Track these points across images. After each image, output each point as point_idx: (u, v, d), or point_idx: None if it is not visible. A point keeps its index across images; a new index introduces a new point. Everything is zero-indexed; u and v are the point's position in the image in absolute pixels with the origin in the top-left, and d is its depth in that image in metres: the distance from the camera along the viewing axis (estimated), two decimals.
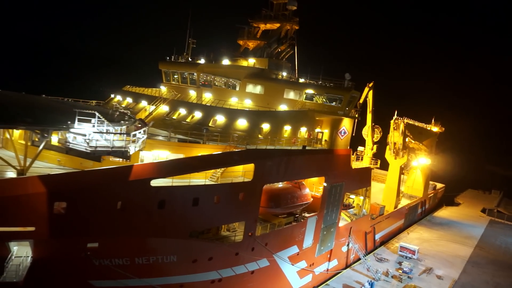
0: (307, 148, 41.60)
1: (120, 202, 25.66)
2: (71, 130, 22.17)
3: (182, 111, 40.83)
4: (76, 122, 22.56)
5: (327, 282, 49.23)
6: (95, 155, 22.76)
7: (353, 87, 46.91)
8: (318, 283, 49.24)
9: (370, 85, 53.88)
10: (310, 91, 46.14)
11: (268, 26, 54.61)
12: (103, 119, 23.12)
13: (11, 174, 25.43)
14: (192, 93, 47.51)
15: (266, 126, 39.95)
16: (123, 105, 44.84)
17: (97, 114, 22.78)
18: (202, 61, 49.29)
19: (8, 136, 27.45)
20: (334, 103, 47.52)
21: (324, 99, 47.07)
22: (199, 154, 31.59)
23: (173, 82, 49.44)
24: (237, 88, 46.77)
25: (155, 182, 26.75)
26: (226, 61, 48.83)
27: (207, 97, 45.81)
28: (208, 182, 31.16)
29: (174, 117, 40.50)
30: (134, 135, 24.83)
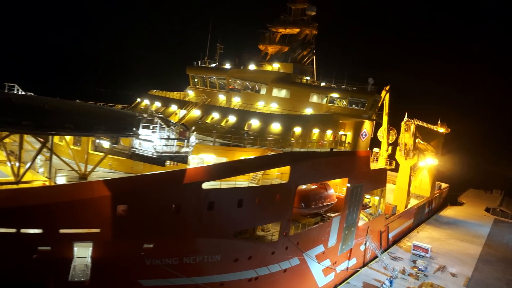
0: (334, 150, 43.06)
1: (175, 204, 26.87)
2: (140, 137, 23.32)
3: (215, 115, 42.01)
4: (141, 128, 23.72)
5: (348, 281, 50.65)
6: (161, 160, 23.94)
7: (375, 91, 48.47)
8: (339, 281, 50.69)
9: (387, 88, 55.47)
10: (335, 95, 47.64)
11: (288, 31, 55.93)
12: (164, 126, 24.30)
13: (62, 179, 26.50)
14: (222, 98, 48.71)
15: (297, 130, 41.34)
16: (153, 109, 45.78)
17: (159, 121, 23.95)
18: (227, 66, 50.48)
19: (63, 142, 28.55)
20: (353, 105, 49.00)
21: (345, 102, 48.55)
22: (241, 158, 32.84)
23: (202, 87, 50.50)
24: (264, 92, 48.12)
25: (205, 185, 28.00)
26: (252, 66, 50.09)
27: (236, 101, 47.05)
28: (251, 184, 32.47)
29: (208, 121, 41.68)
30: (189, 140, 26.04)
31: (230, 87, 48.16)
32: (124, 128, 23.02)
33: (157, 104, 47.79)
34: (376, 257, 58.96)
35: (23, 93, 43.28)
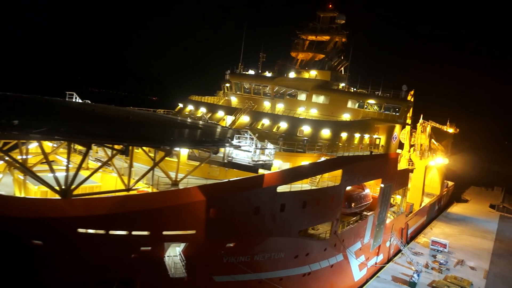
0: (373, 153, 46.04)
1: (255, 207, 29.46)
2: (242, 148, 25.80)
3: (265, 122, 44.48)
4: (235, 139, 26.20)
5: (378, 275, 53.76)
6: (255, 167, 26.44)
7: (407, 97, 51.51)
8: (369, 275, 53.82)
9: (412, 92, 58.54)
10: (371, 101, 50.55)
11: (319, 38, 58.51)
12: (253, 137, 26.81)
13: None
14: (266, 104, 51.23)
15: (343, 135, 44.18)
16: (198, 115, 48.00)
17: (249, 132, 26.44)
18: (267, 73, 52.92)
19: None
20: (382, 109, 51.96)
21: (377, 108, 51.48)
22: (302, 163, 35.49)
23: (245, 94, 52.79)
24: (304, 98, 50.76)
25: (279, 188, 30.62)
26: (292, 74, 52.75)
27: (279, 107, 49.65)
28: (312, 187, 35.20)
29: (258, 127, 44.13)
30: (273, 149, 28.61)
31: (274, 93, 50.69)
32: (224, 140, 25.44)
33: (202, 109, 49.96)
34: (397, 253, 62.28)
35: (80, 100, 45.50)
